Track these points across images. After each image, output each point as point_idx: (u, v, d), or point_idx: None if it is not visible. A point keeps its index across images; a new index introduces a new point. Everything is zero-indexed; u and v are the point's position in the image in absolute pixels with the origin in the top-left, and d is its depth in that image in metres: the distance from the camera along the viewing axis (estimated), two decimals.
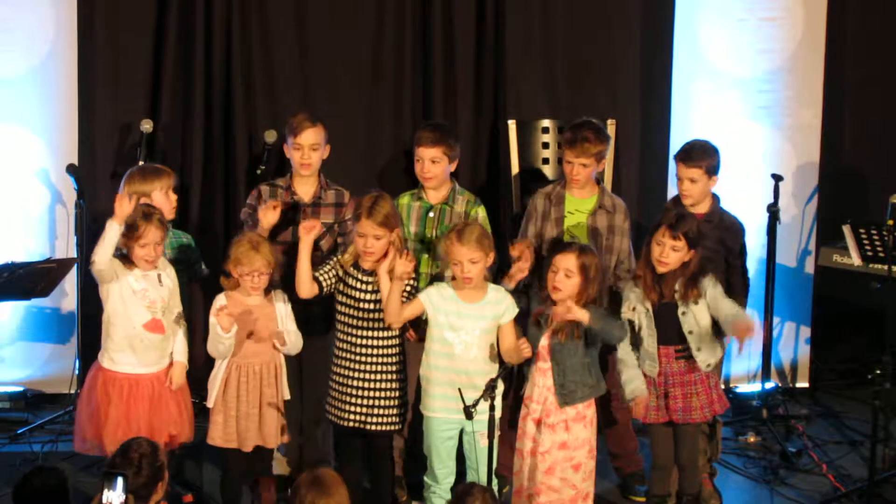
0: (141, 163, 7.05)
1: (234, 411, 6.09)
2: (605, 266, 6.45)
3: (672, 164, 7.76)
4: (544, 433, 6.02)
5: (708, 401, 6.17)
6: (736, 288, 6.55)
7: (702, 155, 6.58)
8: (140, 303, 6.08)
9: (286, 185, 6.64)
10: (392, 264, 5.93)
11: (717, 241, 6.55)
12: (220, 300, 6.12)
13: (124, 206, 5.98)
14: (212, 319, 6.06)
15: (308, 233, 6.05)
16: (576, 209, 6.57)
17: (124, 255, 6.09)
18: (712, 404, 6.20)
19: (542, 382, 6.06)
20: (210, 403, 6.13)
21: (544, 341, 6.04)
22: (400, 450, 6.59)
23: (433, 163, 6.57)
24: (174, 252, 6.51)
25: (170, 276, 6.19)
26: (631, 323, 6.14)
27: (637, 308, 6.13)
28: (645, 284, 6.13)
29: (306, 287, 6.08)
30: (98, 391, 6.10)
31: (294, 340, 6.17)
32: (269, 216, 6.38)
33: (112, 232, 5.95)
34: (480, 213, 6.64)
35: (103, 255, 5.97)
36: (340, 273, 6.13)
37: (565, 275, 5.97)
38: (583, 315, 5.89)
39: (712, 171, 6.58)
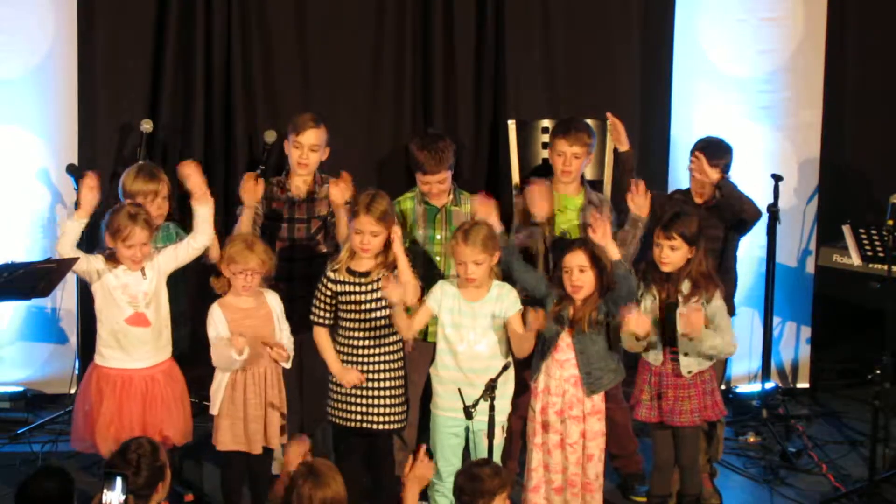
0: (140, 163, 7.04)
1: (242, 414, 6.07)
2: None
3: (673, 163, 7.79)
4: (570, 425, 6.05)
5: (699, 405, 6.17)
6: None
7: (723, 154, 6.65)
8: (121, 297, 6.05)
9: (280, 183, 6.65)
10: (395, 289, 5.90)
11: (723, 219, 6.60)
12: (216, 311, 6.07)
13: (88, 198, 5.96)
14: (212, 337, 6.04)
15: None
16: (565, 206, 6.60)
17: (111, 254, 6.08)
18: (704, 409, 6.19)
19: (559, 374, 6.08)
20: (214, 411, 6.10)
21: (566, 336, 6.06)
22: (406, 450, 6.60)
23: (439, 183, 6.60)
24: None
25: (155, 264, 6.10)
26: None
27: (645, 296, 6.15)
28: (654, 282, 6.14)
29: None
30: (92, 389, 6.09)
31: (287, 344, 6.14)
32: (252, 192, 6.35)
33: (71, 227, 5.96)
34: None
35: (61, 246, 5.98)
36: (337, 288, 6.11)
37: (580, 271, 5.99)
38: (613, 250, 5.94)
39: (727, 169, 6.64)
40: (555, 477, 6.11)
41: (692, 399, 6.16)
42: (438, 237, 6.61)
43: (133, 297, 6.06)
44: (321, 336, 6.18)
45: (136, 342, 6.07)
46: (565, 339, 6.08)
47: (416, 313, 6.07)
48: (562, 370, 6.08)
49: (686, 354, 6.12)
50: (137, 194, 6.31)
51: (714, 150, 6.65)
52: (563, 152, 6.56)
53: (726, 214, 6.60)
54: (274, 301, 6.18)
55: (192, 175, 6.06)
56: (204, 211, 6.08)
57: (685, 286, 6.10)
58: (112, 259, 6.06)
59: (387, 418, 6.13)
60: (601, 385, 6.07)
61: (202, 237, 6.10)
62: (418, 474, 5.25)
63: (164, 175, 6.46)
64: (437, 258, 6.61)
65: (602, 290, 6.01)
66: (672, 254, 6.09)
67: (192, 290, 6.64)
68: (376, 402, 6.12)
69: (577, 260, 6.01)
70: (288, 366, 6.13)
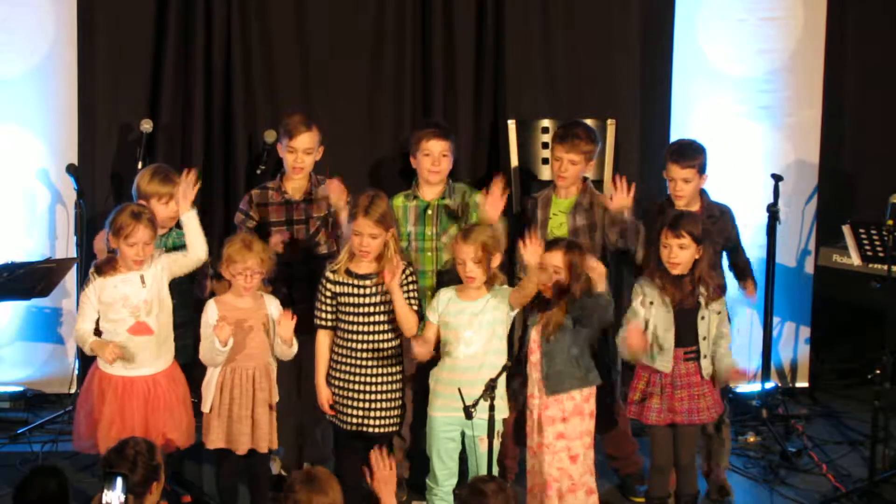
0: (140, 164, 7.04)
1: (229, 413, 6.08)
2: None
3: None
4: (545, 426, 6.04)
5: (714, 402, 6.19)
6: (745, 272, 6.76)
7: (694, 154, 6.61)
8: (122, 310, 6.05)
9: (276, 186, 6.64)
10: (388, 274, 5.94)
11: (720, 234, 6.60)
12: (211, 307, 6.09)
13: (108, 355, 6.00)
14: (204, 331, 6.04)
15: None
16: (559, 210, 6.59)
17: (107, 261, 6.07)
18: (717, 405, 6.22)
19: (535, 376, 6.09)
20: (206, 408, 6.11)
21: (535, 335, 6.06)
22: (402, 451, 6.60)
23: (444, 156, 6.58)
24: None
25: (157, 269, 6.09)
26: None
27: (654, 303, 6.13)
28: (661, 287, 6.12)
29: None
30: (94, 390, 6.10)
31: (287, 346, 6.15)
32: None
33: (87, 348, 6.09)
34: (478, 198, 6.59)
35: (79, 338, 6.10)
36: (336, 289, 6.11)
37: (554, 271, 5.99)
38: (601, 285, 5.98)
39: (703, 169, 6.62)
40: (528, 478, 6.12)
41: (706, 396, 6.16)
42: (429, 233, 6.60)
43: (134, 308, 6.05)
44: (321, 340, 6.18)
45: (139, 350, 6.07)
46: (535, 339, 6.07)
47: (425, 331, 6.08)
48: (537, 372, 6.09)
49: (706, 356, 6.13)
50: (152, 196, 6.31)
51: (686, 153, 6.62)
52: (560, 158, 6.54)
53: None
54: (273, 307, 6.17)
55: (179, 187, 6.13)
56: (188, 220, 6.11)
57: (703, 289, 6.09)
58: (107, 267, 6.06)
59: (384, 422, 6.13)
60: (560, 388, 6.03)
61: (195, 249, 6.13)
62: (381, 477, 5.20)
63: (178, 178, 6.45)
64: (428, 254, 6.60)
65: (572, 296, 5.99)
66: (681, 253, 6.07)
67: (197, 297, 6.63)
68: (373, 405, 6.11)
69: (553, 259, 6.00)
70: (294, 351, 6.11)
